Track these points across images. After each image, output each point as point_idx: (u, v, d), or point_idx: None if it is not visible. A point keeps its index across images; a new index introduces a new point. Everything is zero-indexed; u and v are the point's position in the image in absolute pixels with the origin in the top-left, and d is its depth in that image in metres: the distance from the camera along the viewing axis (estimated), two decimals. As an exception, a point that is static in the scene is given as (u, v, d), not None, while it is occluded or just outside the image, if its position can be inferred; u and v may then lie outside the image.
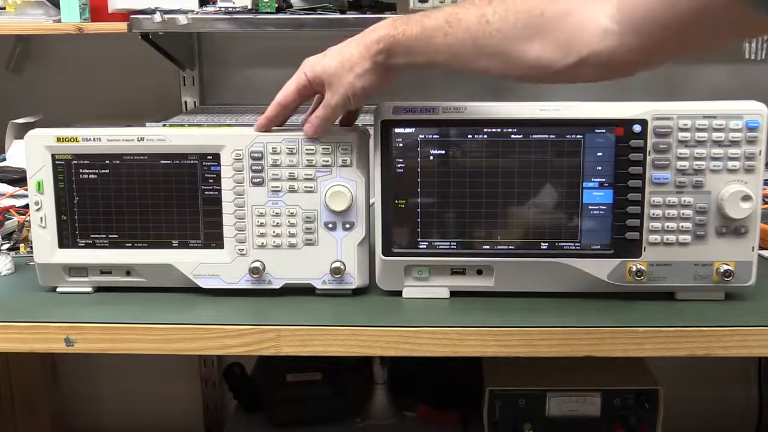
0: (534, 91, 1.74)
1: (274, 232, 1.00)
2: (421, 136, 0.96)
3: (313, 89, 0.94)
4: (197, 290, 1.02)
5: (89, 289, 1.04)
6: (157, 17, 1.44)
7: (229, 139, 0.99)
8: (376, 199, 0.98)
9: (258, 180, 0.99)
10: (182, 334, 0.94)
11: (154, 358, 1.75)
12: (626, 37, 0.69)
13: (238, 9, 1.47)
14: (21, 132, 1.51)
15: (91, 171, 1.00)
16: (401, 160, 0.97)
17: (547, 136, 0.95)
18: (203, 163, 0.99)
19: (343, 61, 0.90)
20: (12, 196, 1.33)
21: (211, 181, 0.99)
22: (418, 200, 0.98)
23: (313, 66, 0.92)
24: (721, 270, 0.96)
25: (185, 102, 1.82)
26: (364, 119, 1.13)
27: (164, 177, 1.00)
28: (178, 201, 1.00)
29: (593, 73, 0.77)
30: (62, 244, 1.01)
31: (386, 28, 0.88)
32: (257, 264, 0.99)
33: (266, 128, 0.98)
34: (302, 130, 0.97)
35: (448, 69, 0.87)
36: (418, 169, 0.97)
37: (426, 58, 0.86)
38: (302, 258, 1.00)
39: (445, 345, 0.93)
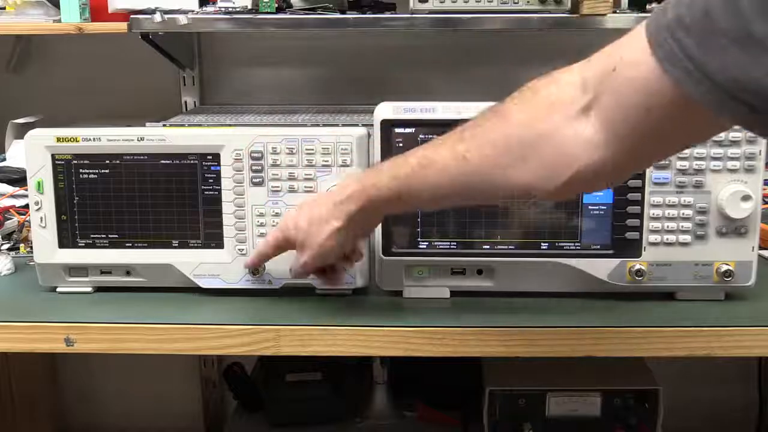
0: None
1: (274, 232, 0.99)
2: (421, 136, 0.96)
3: (289, 245, 0.93)
4: (197, 290, 1.02)
5: (89, 289, 1.04)
6: (157, 17, 1.43)
7: (229, 139, 0.99)
8: (376, 199, 0.98)
9: (258, 180, 0.99)
10: (182, 334, 0.94)
11: (154, 358, 1.75)
12: (614, 146, 0.67)
13: (238, 9, 1.46)
14: (21, 132, 1.51)
15: (91, 171, 1.00)
16: (401, 160, 0.97)
17: (547, 136, 0.95)
18: (203, 163, 0.99)
19: (311, 220, 0.88)
20: (12, 196, 1.33)
21: (211, 181, 0.99)
22: (418, 200, 0.97)
23: (286, 222, 0.92)
24: (721, 270, 0.96)
25: (185, 102, 1.82)
26: (364, 119, 1.13)
27: (164, 177, 1.00)
28: (178, 201, 1.00)
29: (589, 185, 0.74)
30: (62, 244, 1.01)
31: (355, 183, 0.85)
32: (257, 264, 1.00)
33: (249, 269, 1.00)
34: (303, 134, 0.98)
35: (438, 206, 0.85)
36: (418, 169, 0.97)
37: (405, 205, 0.83)
38: (302, 258, 1.00)
39: (445, 345, 0.93)
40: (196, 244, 1.01)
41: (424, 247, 0.99)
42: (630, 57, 0.63)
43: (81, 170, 1.00)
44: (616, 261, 0.97)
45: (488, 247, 0.99)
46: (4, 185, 1.39)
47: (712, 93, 0.58)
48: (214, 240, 1.01)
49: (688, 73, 0.59)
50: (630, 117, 0.65)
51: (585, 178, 0.70)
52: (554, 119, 0.69)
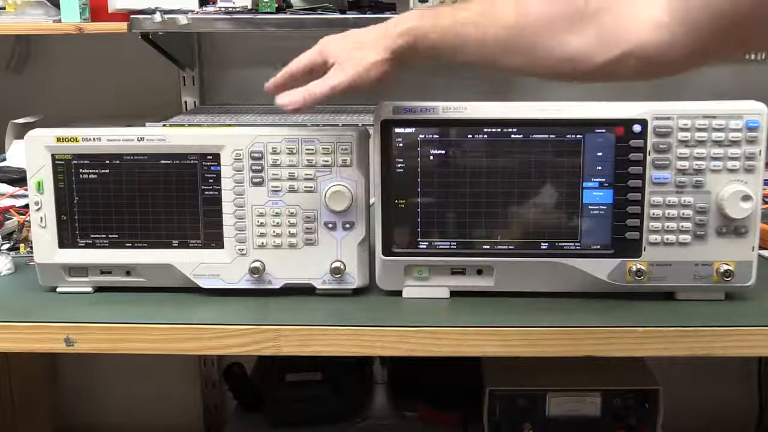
0: (534, 91, 1.74)
1: (274, 232, 1.00)
2: (421, 136, 0.96)
3: (323, 68, 0.91)
4: (197, 290, 1.02)
5: (89, 289, 1.04)
6: (157, 17, 1.44)
7: (229, 139, 0.99)
8: (376, 199, 0.98)
9: (258, 180, 0.99)
10: (182, 334, 0.94)
11: (154, 358, 1.75)
12: (679, 30, 0.66)
13: (238, 9, 1.46)
14: (21, 132, 1.51)
15: (91, 171, 1.00)
16: (401, 160, 0.97)
17: (547, 136, 0.95)
18: (203, 163, 0.99)
19: (361, 45, 0.87)
20: (12, 196, 1.33)
21: (211, 181, 0.99)
22: (418, 200, 0.98)
23: (328, 43, 0.90)
24: (721, 270, 0.96)
25: (185, 102, 1.82)
26: (364, 119, 1.13)
27: (164, 177, 1.00)
28: (178, 201, 1.00)
29: (635, 69, 0.74)
30: (62, 244, 1.01)
31: (413, 20, 0.85)
32: (257, 264, 1.00)
33: (273, 92, 0.95)
34: (303, 134, 0.97)
35: (474, 63, 0.83)
36: (418, 169, 0.97)
37: (452, 53, 0.82)
38: (302, 258, 1.00)
39: (445, 345, 0.93)
40: (196, 244, 1.01)
41: (424, 247, 0.99)
42: None
43: (81, 170, 1.00)
44: (616, 261, 0.97)
45: (488, 247, 0.99)
46: (4, 185, 1.39)
47: None
48: (214, 240, 1.01)
49: None
50: (697, 8, 0.65)
51: (640, 58, 0.70)
52: None
